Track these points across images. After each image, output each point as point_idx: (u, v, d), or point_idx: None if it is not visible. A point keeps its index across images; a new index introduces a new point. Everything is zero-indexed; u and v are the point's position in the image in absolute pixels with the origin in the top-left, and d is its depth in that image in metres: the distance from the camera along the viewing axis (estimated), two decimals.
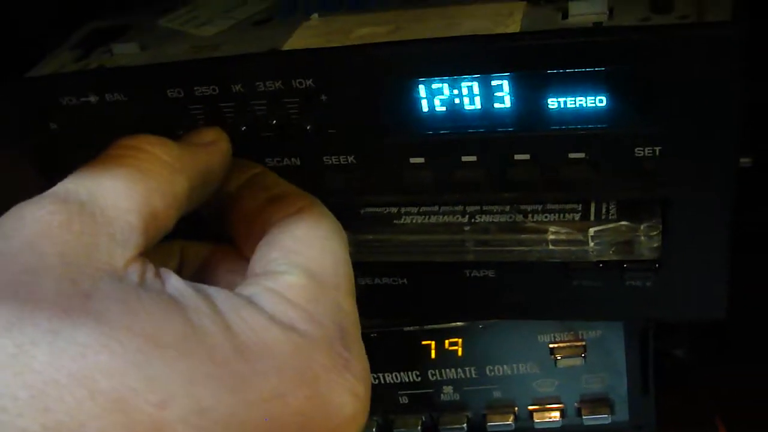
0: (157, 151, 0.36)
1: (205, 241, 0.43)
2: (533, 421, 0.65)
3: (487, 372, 0.64)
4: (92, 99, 0.49)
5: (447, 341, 0.63)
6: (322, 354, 0.32)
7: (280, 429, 0.30)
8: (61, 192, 0.33)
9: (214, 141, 0.42)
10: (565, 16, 0.45)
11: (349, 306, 0.36)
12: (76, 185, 0.33)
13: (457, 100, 0.46)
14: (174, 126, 0.45)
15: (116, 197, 0.33)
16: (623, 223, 0.47)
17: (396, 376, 0.65)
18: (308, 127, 0.47)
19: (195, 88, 0.48)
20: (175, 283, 0.32)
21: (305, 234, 0.37)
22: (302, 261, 0.35)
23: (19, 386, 0.27)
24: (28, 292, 0.29)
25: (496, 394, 0.65)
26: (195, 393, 0.29)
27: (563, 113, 0.45)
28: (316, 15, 0.52)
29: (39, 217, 0.31)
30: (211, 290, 0.33)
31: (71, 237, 0.31)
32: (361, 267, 0.51)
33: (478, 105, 0.46)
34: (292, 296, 0.34)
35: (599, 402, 0.64)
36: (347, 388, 0.33)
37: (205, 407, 0.29)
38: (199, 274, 0.41)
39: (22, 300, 0.28)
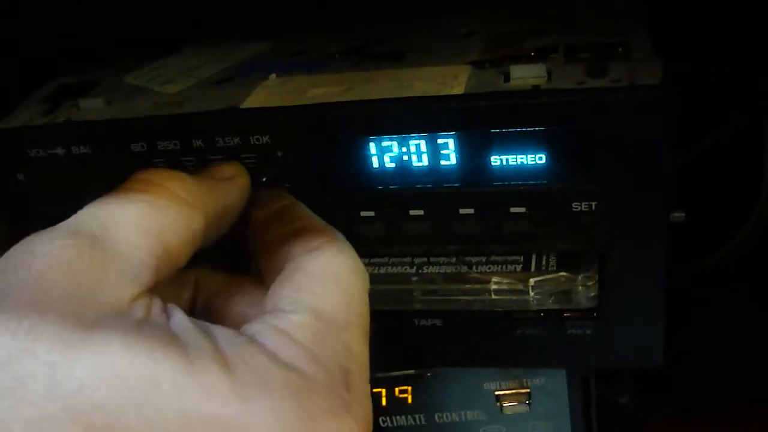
0: (173, 185, 0.36)
1: (222, 269, 0.42)
2: None
3: (437, 419, 0.65)
4: (59, 151, 0.50)
5: (397, 389, 0.64)
6: (321, 396, 0.31)
7: None
8: (73, 225, 0.32)
9: (232, 176, 0.41)
10: (507, 79, 0.47)
11: (358, 347, 0.35)
12: (89, 218, 0.33)
13: (405, 157, 0.48)
14: None
15: (128, 233, 0.33)
16: (562, 273, 0.49)
17: None
18: (264, 180, 0.48)
19: (158, 143, 0.49)
20: (179, 320, 0.32)
21: (319, 272, 0.36)
22: (312, 300, 0.35)
23: (14, 420, 0.26)
24: (29, 326, 0.28)
25: None
26: None
27: (505, 170, 0.47)
28: (273, 75, 0.53)
29: (48, 251, 0.31)
30: (214, 328, 0.32)
31: (80, 271, 0.30)
32: None
33: (425, 162, 0.48)
34: (298, 335, 0.33)
35: None
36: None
37: None
38: (212, 303, 0.40)
39: (24, 332, 0.28)
